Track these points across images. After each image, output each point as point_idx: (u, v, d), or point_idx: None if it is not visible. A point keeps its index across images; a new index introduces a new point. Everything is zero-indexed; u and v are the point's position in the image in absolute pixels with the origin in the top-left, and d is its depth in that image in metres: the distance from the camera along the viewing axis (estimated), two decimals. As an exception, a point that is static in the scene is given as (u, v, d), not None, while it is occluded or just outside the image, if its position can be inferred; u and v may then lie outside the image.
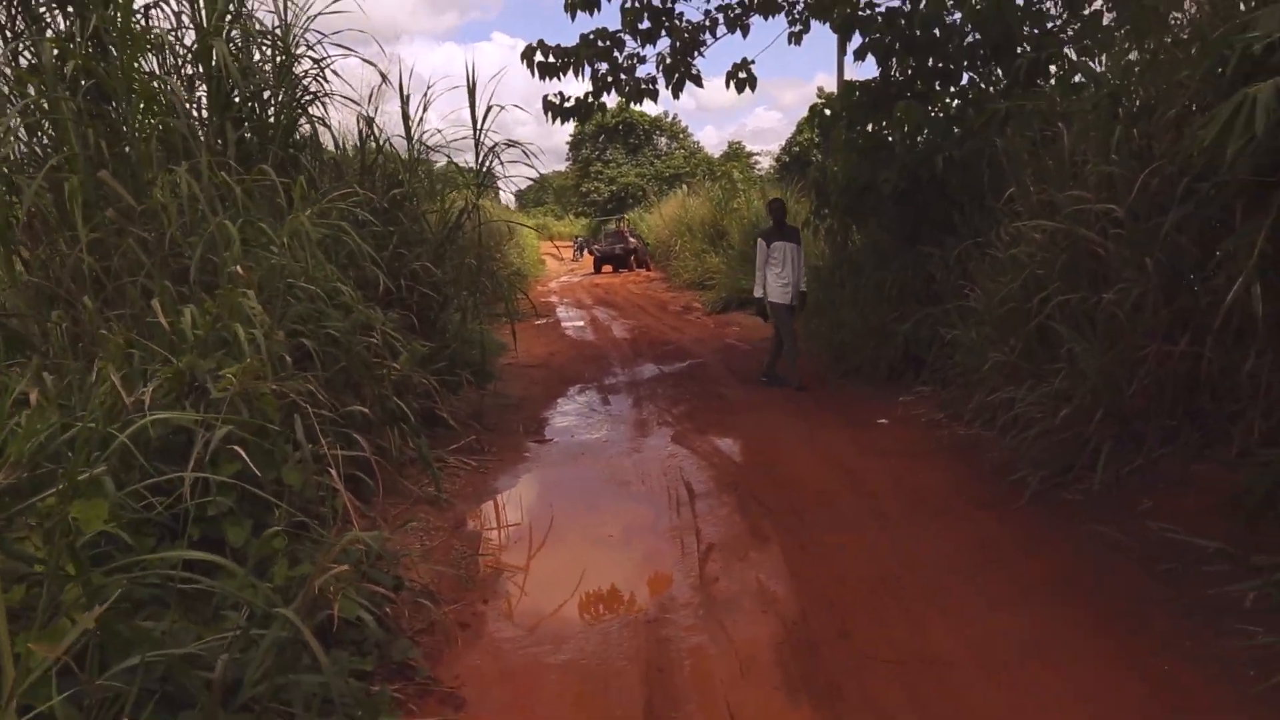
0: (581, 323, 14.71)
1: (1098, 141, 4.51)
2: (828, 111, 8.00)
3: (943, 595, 3.63)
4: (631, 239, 27.38)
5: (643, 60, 9.61)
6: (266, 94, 5.90)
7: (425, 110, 6.58)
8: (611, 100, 9.92)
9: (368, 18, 6.29)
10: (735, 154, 45.90)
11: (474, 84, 6.42)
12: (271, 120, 5.94)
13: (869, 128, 7.78)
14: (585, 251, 33.81)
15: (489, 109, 6.53)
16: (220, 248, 4.25)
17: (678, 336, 12.21)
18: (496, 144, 6.72)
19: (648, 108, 50.08)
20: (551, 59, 8.75)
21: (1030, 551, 4.01)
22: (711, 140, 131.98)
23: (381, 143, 6.54)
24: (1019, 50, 6.48)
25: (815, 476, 5.34)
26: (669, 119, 47.43)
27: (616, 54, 9.25)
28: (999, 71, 6.98)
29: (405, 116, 6.53)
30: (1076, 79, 5.53)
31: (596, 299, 18.83)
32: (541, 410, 7.60)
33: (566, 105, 9.33)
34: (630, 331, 13.11)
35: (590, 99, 9.36)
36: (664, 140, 47.38)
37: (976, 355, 5.70)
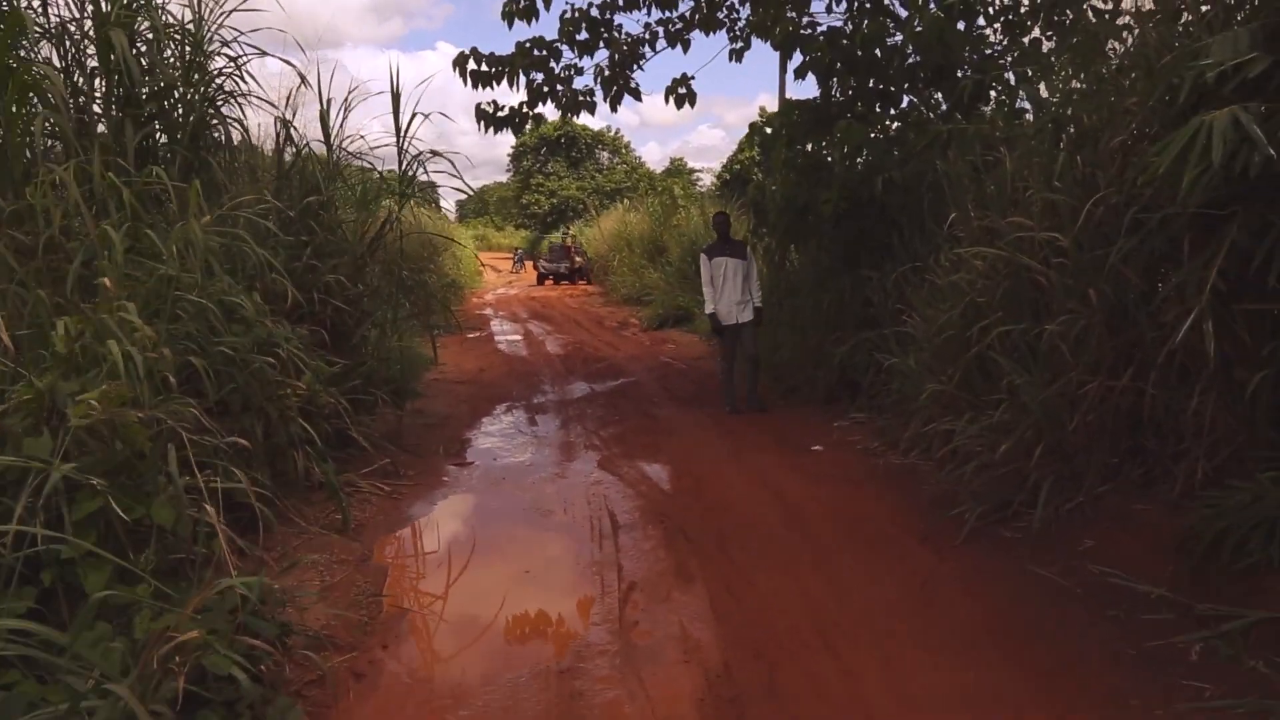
0: (515, 337, 14.33)
1: (1041, 168, 4.36)
2: (768, 130, 7.80)
3: (880, 643, 3.38)
4: (577, 256, 27.26)
5: (580, 72, 9.34)
6: (177, 92, 5.47)
7: (346, 115, 6.16)
8: (550, 111, 9.65)
9: (289, 17, 5.91)
10: (677, 170, 46.03)
11: (398, 90, 6.05)
12: (180, 120, 5.51)
13: (809, 147, 7.62)
14: (524, 264, 33.41)
15: (414, 116, 6.16)
16: (100, 255, 3.83)
17: (612, 353, 11.91)
18: (421, 152, 6.35)
19: (590, 121, 50.07)
20: (485, 67, 8.41)
21: (971, 592, 3.80)
22: (654, 156, 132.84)
23: (300, 148, 6.13)
24: (960, 74, 6.37)
25: (747, 506, 5.08)
26: (611, 133, 47.42)
27: (553, 64, 8.96)
28: (939, 95, 6.88)
29: (324, 121, 6.12)
30: (1019, 103, 5.41)
31: (532, 313, 18.46)
32: (465, 430, 7.22)
33: (500, 115, 8.99)
34: (564, 347, 12.77)
35: (525, 109, 9.04)
36: (606, 155, 47.21)
37: (914, 383, 5.52)
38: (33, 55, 4.89)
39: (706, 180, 41.21)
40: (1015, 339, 4.33)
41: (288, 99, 6.19)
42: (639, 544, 4.56)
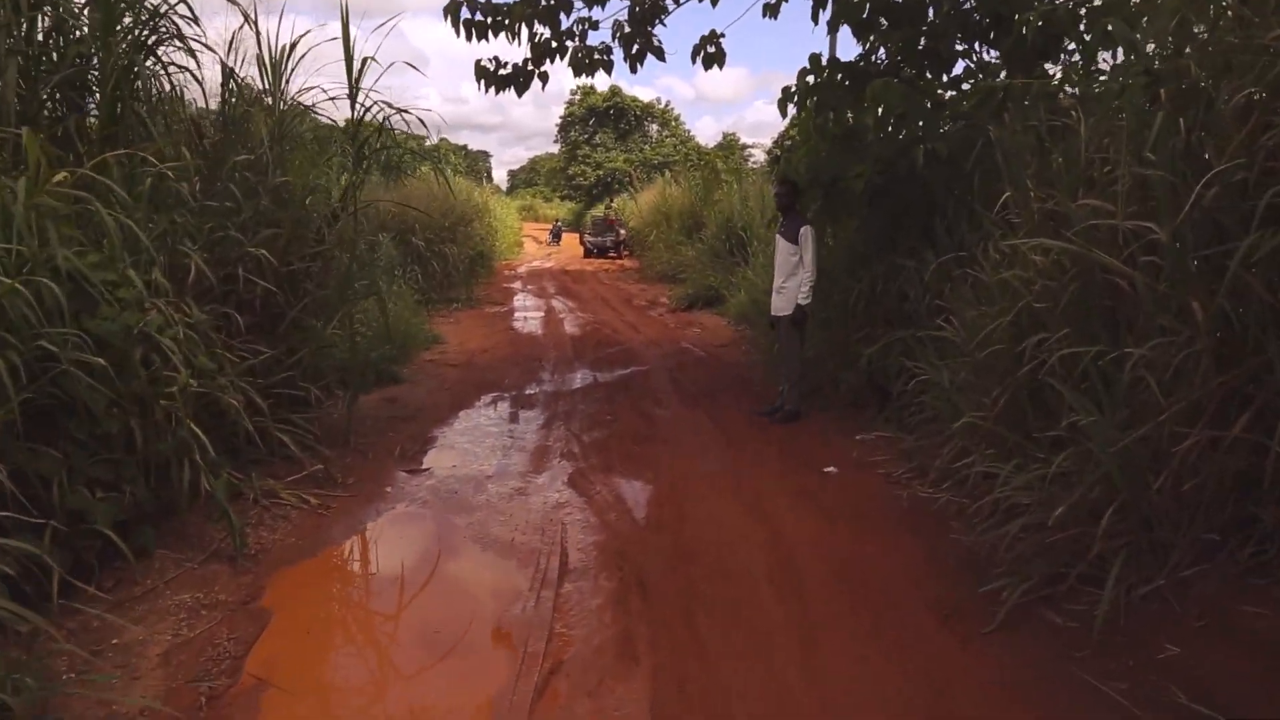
0: (535, 314, 13.38)
1: (1129, 134, 3.20)
2: (793, 90, 6.61)
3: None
4: (620, 230, 26.31)
5: (594, 26, 8.25)
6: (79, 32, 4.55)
7: (292, 62, 5.18)
8: (561, 70, 8.60)
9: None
10: (729, 145, 44.50)
11: (347, 22, 5.03)
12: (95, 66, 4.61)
13: (846, 115, 6.47)
14: (560, 237, 32.44)
15: (365, 62, 5.12)
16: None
17: (631, 336, 10.89)
18: (380, 107, 5.31)
19: (641, 93, 48.58)
20: (480, 16, 7.36)
21: (1003, 708, 2.76)
22: (709, 131, 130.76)
23: (234, 99, 5.18)
24: (1023, 26, 5.17)
25: (732, 549, 4.05)
26: (662, 105, 45.95)
27: (563, 16, 7.86)
28: (996, 53, 5.66)
29: (263, 67, 5.16)
30: (1102, 58, 4.17)
31: (561, 288, 17.49)
32: (435, 426, 6.29)
33: (502, 73, 7.95)
34: (582, 327, 11.79)
35: (530, 67, 7.98)
36: (655, 127, 45.80)
37: (950, 403, 4.44)
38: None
39: (759, 156, 39.85)
40: (1084, 362, 3.21)
41: (230, 42, 5.26)
42: (584, 600, 3.57)
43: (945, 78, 6.26)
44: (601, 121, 44.64)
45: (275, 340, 4.96)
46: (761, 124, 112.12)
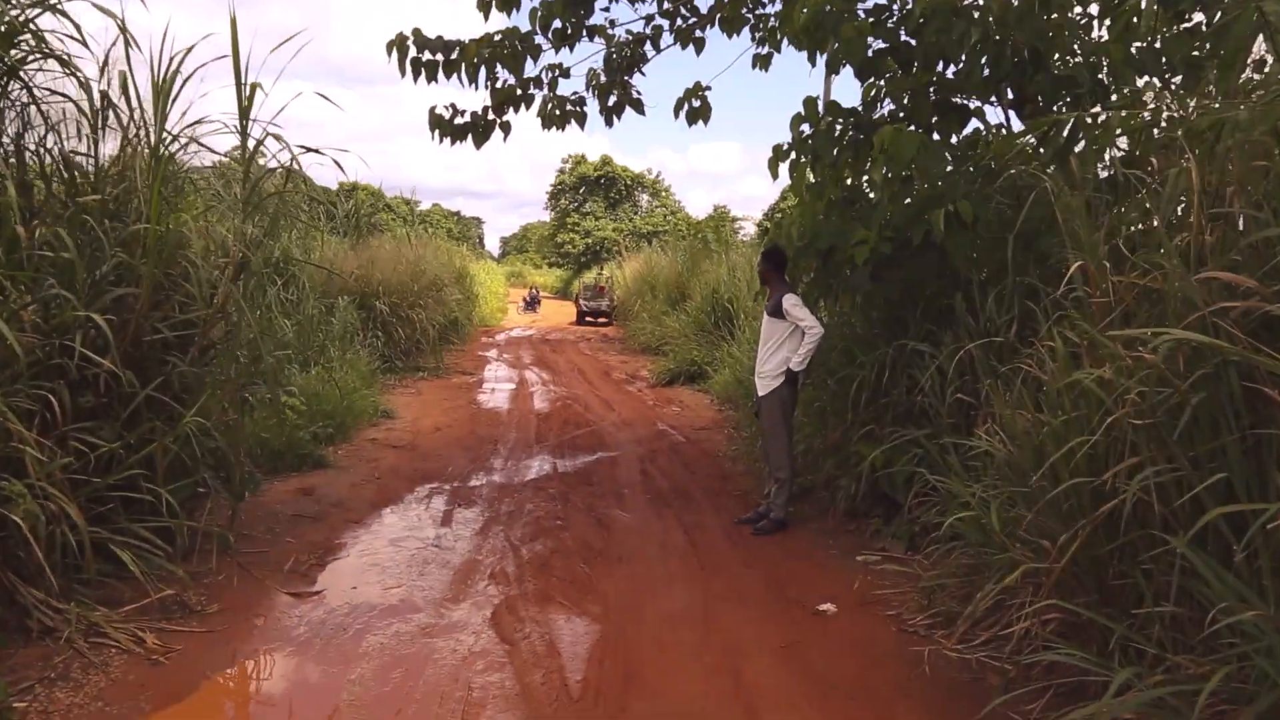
0: (504, 386, 12.28)
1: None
2: (785, 147, 5.63)
3: None
4: (608, 300, 26.10)
5: (566, 74, 7.37)
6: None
7: (175, 87, 4.16)
8: (528, 120, 7.69)
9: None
10: (720, 217, 44.07)
11: (236, 39, 4.04)
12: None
13: (845, 175, 5.50)
14: (537, 306, 31.42)
15: (254, 89, 4.09)
16: None
17: (603, 415, 9.80)
18: (275, 140, 4.27)
19: (631, 163, 48.39)
20: (429, 55, 6.44)
21: None
22: (701, 204, 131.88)
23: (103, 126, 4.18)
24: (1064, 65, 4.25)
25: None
26: (652, 176, 45.53)
27: (529, 62, 6.97)
28: (1036, 99, 4.70)
29: (126, 89, 4.13)
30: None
31: (538, 358, 16.41)
32: (347, 529, 5.13)
33: (459, 121, 7.02)
34: (553, 403, 10.70)
35: (489, 115, 7.06)
36: (645, 197, 45.32)
37: (981, 531, 3.35)
38: None
39: (749, 229, 39.57)
40: (1211, 513, 2.13)
41: (103, 63, 4.26)
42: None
43: (956, 136, 5.33)
44: (592, 190, 44.15)
45: (127, 426, 3.85)
46: (753, 198, 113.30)
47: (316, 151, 4.40)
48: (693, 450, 7.89)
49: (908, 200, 4.87)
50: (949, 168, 4.67)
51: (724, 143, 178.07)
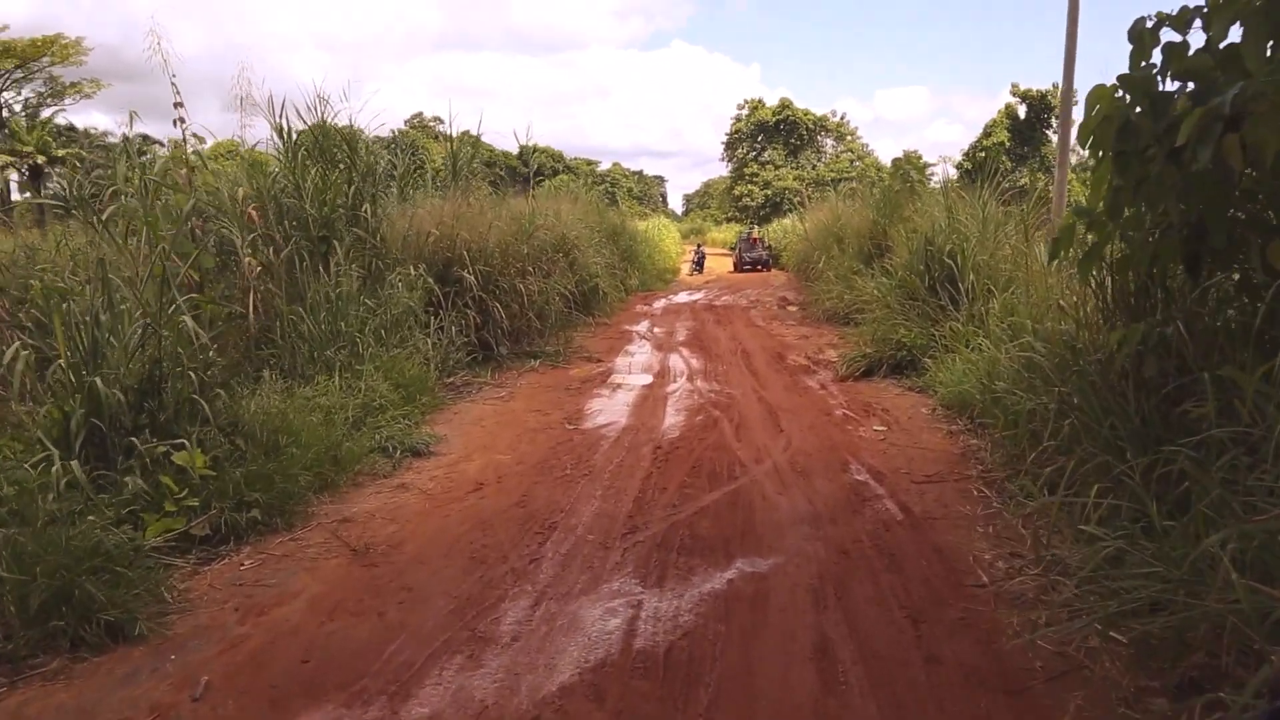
0: (635, 381, 8.72)
1: None
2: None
3: None
4: (763, 249, 29.16)
5: None
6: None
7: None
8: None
9: None
10: (910, 160, 38.19)
11: None
12: None
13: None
14: (701, 267, 28.35)
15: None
16: None
17: (763, 446, 5.98)
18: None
19: (814, 105, 43.19)
20: None
21: None
22: (888, 151, 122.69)
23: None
24: None
25: None
26: (836, 118, 40.00)
27: None
28: None
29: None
30: None
31: (694, 334, 12.66)
32: None
33: None
34: (691, 418, 7.00)
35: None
36: (830, 142, 39.93)
37: None
38: None
39: (939, 173, 34.62)
40: None
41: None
42: None
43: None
44: (771, 137, 39.29)
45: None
46: (940, 144, 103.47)
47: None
48: (921, 547, 3.97)
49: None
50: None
51: (910, 87, 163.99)
